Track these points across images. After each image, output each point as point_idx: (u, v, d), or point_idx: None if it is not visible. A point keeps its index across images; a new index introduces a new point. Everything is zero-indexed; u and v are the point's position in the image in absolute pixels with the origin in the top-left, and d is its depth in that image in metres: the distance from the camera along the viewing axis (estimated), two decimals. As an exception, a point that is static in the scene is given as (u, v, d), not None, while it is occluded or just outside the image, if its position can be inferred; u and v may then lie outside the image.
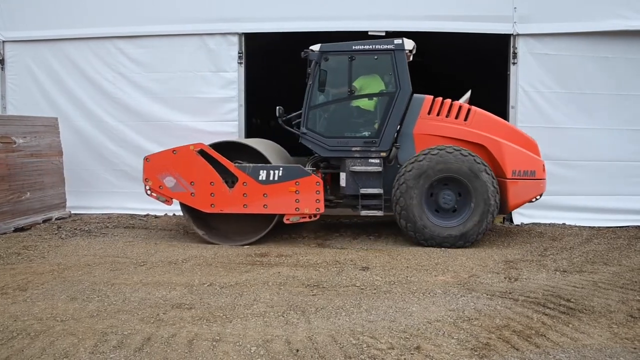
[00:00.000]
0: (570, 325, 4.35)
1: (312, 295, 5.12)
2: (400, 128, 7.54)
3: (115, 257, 6.65)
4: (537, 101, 9.14)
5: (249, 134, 10.32)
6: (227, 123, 9.68)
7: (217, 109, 9.71)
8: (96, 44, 9.93)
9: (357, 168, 7.52)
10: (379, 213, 7.48)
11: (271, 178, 7.10)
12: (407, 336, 4.11)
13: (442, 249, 7.11)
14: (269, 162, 7.31)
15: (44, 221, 8.86)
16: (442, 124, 7.53)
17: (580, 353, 3.84)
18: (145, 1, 9.83)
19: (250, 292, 5.18)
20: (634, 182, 9.12)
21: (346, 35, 9.82)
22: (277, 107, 7.83)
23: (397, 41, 7.45)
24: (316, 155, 7.84)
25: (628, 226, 8.81)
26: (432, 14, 9.28)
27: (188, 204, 7.30)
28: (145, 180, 7.28)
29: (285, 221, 7.24)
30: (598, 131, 9.07)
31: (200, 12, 9.59)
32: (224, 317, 4.52)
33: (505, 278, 5.76)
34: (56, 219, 9.13)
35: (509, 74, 9.33)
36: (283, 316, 4.55)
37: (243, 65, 9.67)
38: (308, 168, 7.48)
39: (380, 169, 7.49)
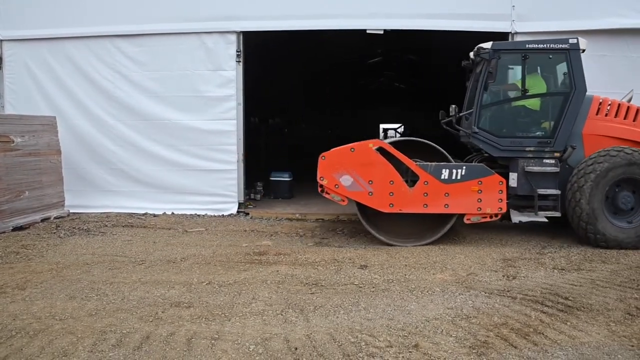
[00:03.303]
0: (568, 323, 4.36)
1: (311, 293, 5.13)
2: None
3: (113, 256, 6.65)
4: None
5: (247, 132, 10.32)
6: (226, 121, 9.68)
7: (216, 107, 9.71)
8: (95, 42, 9.93)
9: (534, 169, 7.32)
10: (557, 213, 7.31)
11: (453, 177, 6.98)
12: (406, 334, 4.12)
13: (441, 248, 7.13)
14: (449, 161, 7.18)
15: (43, 220, 8.85)
16: (611, 124, 7.40)
17: (578, 351, 3.85)
18: (144, 0, 9.82)
19: (249, 291, 5.18)
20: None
21: (342, 34, 9.85)
22: (452, 106, 7.66)
23: (572, 40, 7.34)
24: (480, 154, 7.76)
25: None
26: (429, 12, 9.30)
27: (365, 204, 7.11)
28: (320, 178, 7.06)
29: (465, 221, 7.14)
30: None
31: (198, 10, 9.59)
32: (223, 315, 4.52)
33: (503, 276, 5.77)
34: (55, 218, 9.12)
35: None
36: (282, 314, 4.55)
37: (241, 63, 9.67)
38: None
39: (557, 169, 7.32)
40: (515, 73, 7.67)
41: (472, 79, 8.13)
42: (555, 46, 7.35)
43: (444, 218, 7.24)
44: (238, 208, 9.85)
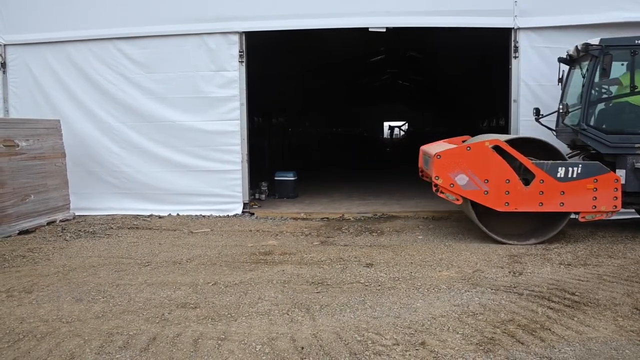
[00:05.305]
0: (575, 319, 4.35)
1: (317, 292, 5.13)
2: None
3: (119, 258, 6.67)
4: (539, 95, 9.10)
5: (250, 132, 10.33)
6: (229, 122, 9.69)
7: (219, 108, 9.70)
8: (97, 45, 9.93)
9: None
10: None
11: (569, 175, 6.94)
12: (412, 332, 4.12)
13: (447, 245, 7.12)
14: (563, 159, 7.16)
15: (48, 223, 8.88)
16: None
17: (585, 346, 3.83)
18: (145, 2, 9.84)
19: (255, 291, 5.19)
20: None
21: (345, 32, 9.82)
22: (562, 104, 7.63)
23: None
24: (586, 151, 7.72)
25: (632, 218, 8.78)
26: (432, 9, 9.26)
27: (481, 203, 7.08)
28: (436, 177, 7.04)
29: (580, 219, 7.13)
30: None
31: (200, 11, 9.58)
32: (229, 315, 4.53)
33: (509, 272, 5.76)
34: (60, 221, 9.15)
35: (511, 68, 9.30)
36: (288, 314, 4.56)
37: (244, 64, 9.67)
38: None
39: None
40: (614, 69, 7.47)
41: (570, 76, 8.08)
42: None
43: (549, 216, 7.22)
44: (243, 208, 9.85)
